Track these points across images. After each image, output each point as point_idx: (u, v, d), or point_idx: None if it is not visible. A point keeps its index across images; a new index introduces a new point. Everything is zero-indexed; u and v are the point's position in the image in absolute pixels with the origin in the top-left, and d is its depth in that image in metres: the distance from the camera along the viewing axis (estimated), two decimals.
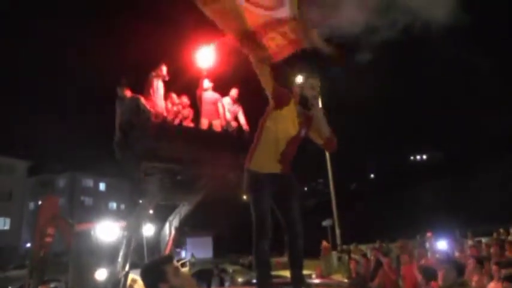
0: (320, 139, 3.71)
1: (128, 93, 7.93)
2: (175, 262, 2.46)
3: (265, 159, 3.61)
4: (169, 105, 8.31)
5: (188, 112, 8.44)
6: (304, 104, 3.66)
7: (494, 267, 5.92)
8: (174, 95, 8.44)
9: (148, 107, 7.77)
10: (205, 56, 7.72)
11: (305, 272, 4.11)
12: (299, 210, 3.67)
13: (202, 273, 14.52)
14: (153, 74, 8.07)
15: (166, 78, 8.19)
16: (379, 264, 8.25)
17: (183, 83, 8.71)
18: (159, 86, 8.16)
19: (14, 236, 40.41)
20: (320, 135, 3.70)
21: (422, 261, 7.90)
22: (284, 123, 3.62)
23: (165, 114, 8.09)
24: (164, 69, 8.17)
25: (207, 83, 8.49)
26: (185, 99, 8.57)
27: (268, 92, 3.59)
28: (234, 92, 8.74)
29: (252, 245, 3.52)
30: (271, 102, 3.64)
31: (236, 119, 8.71)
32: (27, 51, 73.72)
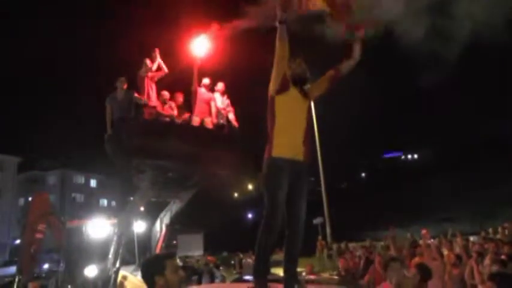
0: (328, 80, 3.87)
1: (125, 87, 8.00)
2: (177, 260, 2.52)
3: (287, 139, 3.59)
4: (162, 103, 8.33)
5: (177, 113, 8.41)
6: (299, 80, 3.75)
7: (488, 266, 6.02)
8: (165, 93, 8.46)
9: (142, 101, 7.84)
10: (200, 45, 7.74)
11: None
12: (306, 206, 3.66)
13: (190, 270, 14.55)
14: (142, 70, 8.12)
15: (152, 67, 8.27)
16: (368, 261, 8.34)
17: (177, 75, 8.74)
18: (150, 80, 8.22)
19: (3, 232, 40.12)
20: (324, 81, 3.88)
21: (417, 259, 7.98)
22: (293, 100, 3.68)
23: (159, 108, 8.12)
24: (148, 63, 8.24)
25: (206, 81, 8.54)
26: (179, 98, 8.58)
27: (276, 78, 3.66)
28: (220, 85, 8.77)
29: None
30: (273, 88, 3.68)
31: (226, 112, 8.73)
32: (17, 47, 73.08)
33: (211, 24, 7.47)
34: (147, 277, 2.44)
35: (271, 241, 3.49)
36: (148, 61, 8.27)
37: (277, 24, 3.61)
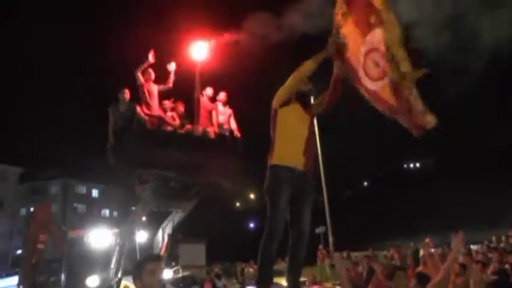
0: (324, 102, 3.96)
1: (127, 98, 8.01)
2: (158, 263, 2.52)
3: (289, 150, 3.67)
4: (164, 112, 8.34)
5: (179, 123, 8.40)
6: (303, 97, 3.88)
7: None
8: (167, 102, 8.48)
9: (143, 113, 7.83)
10: (200, 50, 7.75)
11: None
12: (310, 216, 3.69)
13: (190, 279, 14.50)
14: (143, 79, 8.13)
15: (153, 80, 8.28)
16: (371, 271, 8.28)
17: (177, 82, 8.74)
18: (152, 89, 8.23)
19: (5, 242, 40.02)
20: (323, 102, 3.97)
21: (420, 268, 7.96)
22: (295, 113, 3.77)
23: (162, 115, 8.12)
24: (152, 73, 8.25)
25: (209, 91, 8.57)
26: (181, 108, 8.59)
27: (286, 95, 3.75)
28: (222, 95, 8.79)
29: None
30: (277, 102, 3.77)
31: (228, 122, 8.74)
32: (17, 54, 73.53)
33: (211, 29, 7.52)
34: (133, 281, 2.49)
35: (273, 249, 3.51)
36: (150, 71, 8.28)
37: (326, 52, 3.71)
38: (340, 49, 3.73)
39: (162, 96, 8.45)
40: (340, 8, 3.80)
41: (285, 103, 3.76)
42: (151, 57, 8.10)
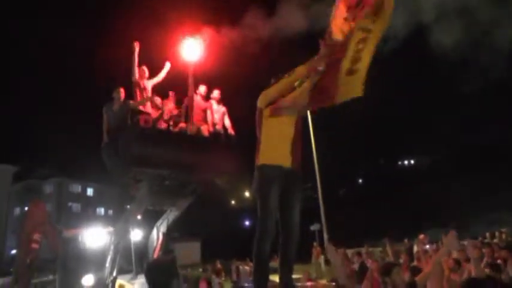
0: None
1: (122, 97, 8.01)
2: None
3: (275, 149, 3.68)
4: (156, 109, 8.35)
5: (172, 120, 8.41)
6: None
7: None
8: (158, 98, 8.48)
9: (137, 112, 7.83)
10: (193, 50, 7.73)
11: (293, 276, 4.13)
12: (299, 212, 3.71)
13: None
14: (137, 77, 8.14)
15: (147, 77, 8.29)
16: (364, 268, 8.33)
17: (170, 80, 8.76)
18: (146, 85, 8.24)
19: None
20: None
21: (414, 264, 8.01)
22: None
23: (153, 114, 8.13)
24: (146, 70, 8.27)
25: (202, 89, 8.57)
26: (170, 104, 8.60)
27: (274, 95, 3.75)
28: (216, 93, 8.80)
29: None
30: (264, 102, 3.76)
31: (222, 120, 8.76)
32: (12, 52, 73.08)
33: (203, 28, 7.52)
34: (160, 280, 2.48)
35: (266, 248, 3.52)
36: (144, 68, 8.29)
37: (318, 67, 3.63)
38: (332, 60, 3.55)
39: (154, 93, 8.47)
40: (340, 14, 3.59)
41: (270, 102, 3.76)
42: (137, 49, 8.16)
